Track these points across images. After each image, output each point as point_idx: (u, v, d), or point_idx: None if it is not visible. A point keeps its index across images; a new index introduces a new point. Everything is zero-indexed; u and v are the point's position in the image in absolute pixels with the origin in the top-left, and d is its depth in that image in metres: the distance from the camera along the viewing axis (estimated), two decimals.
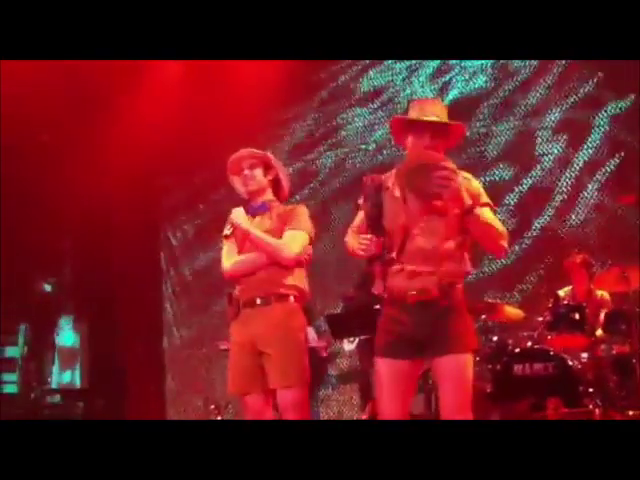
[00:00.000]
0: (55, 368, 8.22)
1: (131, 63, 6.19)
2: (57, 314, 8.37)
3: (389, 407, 3.05)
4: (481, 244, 3.11)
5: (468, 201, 2.97)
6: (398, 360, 3.03)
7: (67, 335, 8.41)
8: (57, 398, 8.04)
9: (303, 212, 3.73)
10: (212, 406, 7.25)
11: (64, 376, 8.31)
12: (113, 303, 8.28)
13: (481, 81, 7.54)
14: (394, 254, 3.04)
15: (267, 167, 3.80)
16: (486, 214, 3.06)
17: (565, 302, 5.67)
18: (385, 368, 3.07)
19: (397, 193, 3.12)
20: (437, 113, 3.11)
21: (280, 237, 3.64)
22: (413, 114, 3.14)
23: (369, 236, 3.00)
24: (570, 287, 5.93)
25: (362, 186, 3.16)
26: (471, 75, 7.53)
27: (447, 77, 7.60)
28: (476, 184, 3.15)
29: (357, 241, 3.07)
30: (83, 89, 7.51)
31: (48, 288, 8.47)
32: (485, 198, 3.13)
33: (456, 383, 2.99)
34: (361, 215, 3.22)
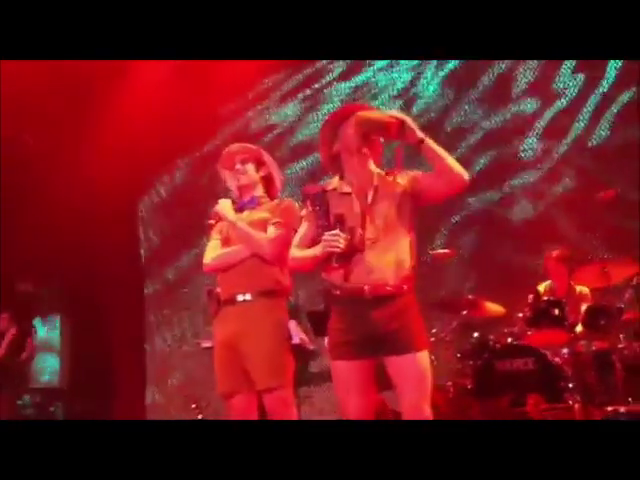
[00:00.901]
0: (35, 368, 8.15)
1: (117, 63, 6.16)
2: (38, 314, 8.31)
3: (353, 409, 3.04)
4: (441, 180, 3.08)
5: (420, 134, 3.02)
6: (356, 360, 3.03)
7: (48, 335, 8.35)
8: (37, 398, 7.97)
9: (291, 206, 3.69)
10: (193, 405, 7.23)
11: (44, 377, 8.26)
12: (94, 302, 8.23)
13: None
14: (353, 238, 3.05)
15: (259, 163, 3.78)
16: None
17: (545, 298, 5.70)
18: (342, 370, 3.07)
19: (345, 189, 3.17)
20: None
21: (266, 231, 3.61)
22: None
23: (336, 231, 3.00)
24: (549, 282, 5.97)
25: (305, 196, 3.21)
26: None
27: None
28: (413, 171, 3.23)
29: (316, 248, 3.06)
30: (67, 89, 7.47)
31: (29, 287, 8.41)
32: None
33: (418, 382, 2.99)
34: (305, 227, 3.23)
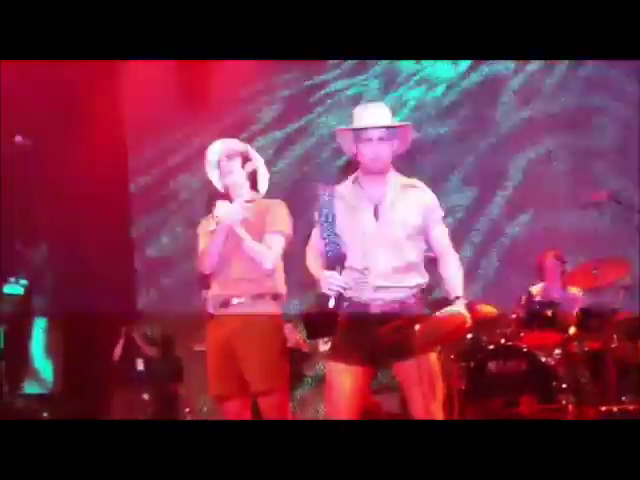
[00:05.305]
0: (28, 372, 8.11)
1: (107, 63, 6.16)
2: (30, 316, 8.27)
3: (341, 413, 3.02)
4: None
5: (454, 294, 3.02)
6: (356, 366, 3.03)
7: (41, 338, 8.31)
8: (30, 403, 7.93)
9: (282, 210, 3.66)
10: (187, 409, 7.22)
11: (37, 380, 8.21)
12: (87, 305, 8.18)
13: None
14: (358, 266, 3.03)
15: (245, 159, 3.71)
16: (441, 237, 3.13)
17: (538, 299, 5.72)
18: (340, 372, 3.05)
19: (354, 203, 3.11)
20: (381, 118, 3.09)
21: (257, 232, 3.57)
22: (357, 123, 3.12)
23: (330, 273, 2.96)
24: (542, 284, 5.99)
25: (317, 196, 3.15)
26: None
27: None
28: (429, 195, 3.16)
29: (319, 275, 3.03)
30: (57, 89, 7.46)
31: (21, 290, 8.36)
32: (439, 211, 3.16)
33: (427, 385, 2.98)
34: (317, 232, 3.19)
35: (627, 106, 7.17)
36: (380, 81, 8.09)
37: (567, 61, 7.33)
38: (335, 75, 8.24)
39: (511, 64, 7.66)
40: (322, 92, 8.26)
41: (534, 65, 7.55)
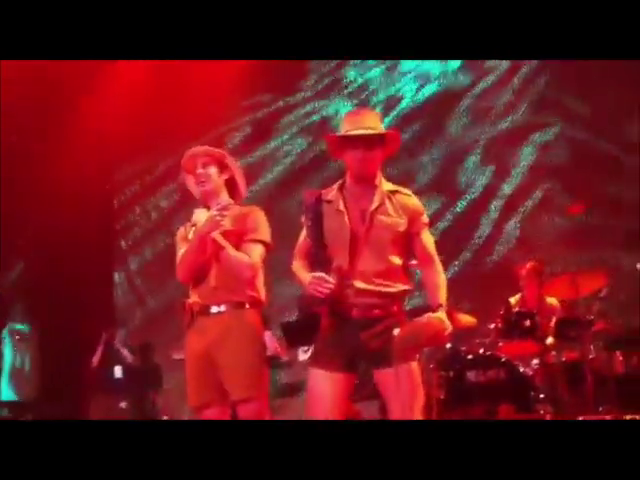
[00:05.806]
0: (2, 379, 8.02)
1: (95, 63, 6.14)
2: (3, 321, 8.18)
3: (317, 418, 3.02)
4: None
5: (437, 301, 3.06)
6: (336, 373, 3.03)
7: (15, 343, 8.22)
8: (5, 411, 7.84)
9: (261, 217, 3.63)
10: (165, 417, 7.17)
11: (13, 387, 8.12)
12: (63, 309, 8.11)
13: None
14: (343, 270, 3.04)
15: (222, 166, 3.66)
16: (425, 244, 3.15)
17: (516, 309, 5.76)
18: (321, 379, 3.05)
19: (341, 207, 3.12)
20: (370, 124, 3.09)
21: (236, 240, 3.54)
22: (345, 128, 3.12)
23: (319, 274, 2.97)
24: (520, 294, 6.04)
25: (303, 201, 3.17)
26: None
27: None
28: (415, 202, 3.18)
29: (306, 278, 3.04)
30: (47, 89, 7.42)
31: None
32: (425, 218, 3.19)
33: (407, 394, 2.98)
34: (304, 233, 3.21)
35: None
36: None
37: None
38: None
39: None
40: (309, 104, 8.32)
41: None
